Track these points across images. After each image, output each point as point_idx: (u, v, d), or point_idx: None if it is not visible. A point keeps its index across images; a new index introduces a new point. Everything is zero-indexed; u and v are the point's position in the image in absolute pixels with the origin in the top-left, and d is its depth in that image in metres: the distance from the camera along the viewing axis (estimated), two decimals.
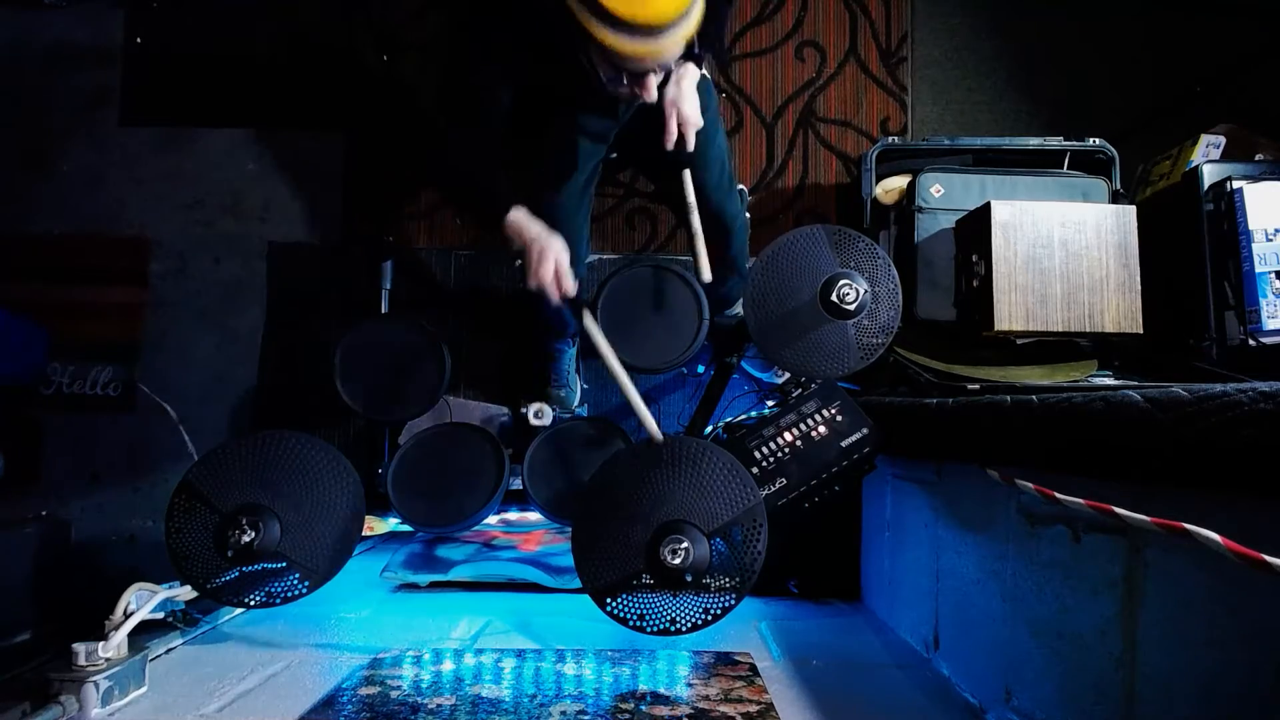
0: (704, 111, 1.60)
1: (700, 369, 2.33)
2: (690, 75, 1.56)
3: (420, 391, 1.88)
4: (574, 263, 1.90)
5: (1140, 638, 0.85)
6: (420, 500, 1.78)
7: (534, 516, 2.10)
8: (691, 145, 1.59)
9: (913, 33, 2.54)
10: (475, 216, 1.94)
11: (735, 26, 2.54)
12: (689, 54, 1.42)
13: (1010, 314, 1.75)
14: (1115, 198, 2.02)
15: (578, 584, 1.39)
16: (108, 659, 1.18)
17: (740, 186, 2.20)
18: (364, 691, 1.23)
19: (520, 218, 1.53)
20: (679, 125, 1.55)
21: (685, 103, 1.55)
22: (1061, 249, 1.76)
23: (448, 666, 1.36)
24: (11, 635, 1.95)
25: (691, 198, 1.62)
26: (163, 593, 1.35)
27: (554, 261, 1.50)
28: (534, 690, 1.24)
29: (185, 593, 1.41)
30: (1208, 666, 0.75)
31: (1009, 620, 1.13)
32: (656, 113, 1.55)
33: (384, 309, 2.35)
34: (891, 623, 1.64)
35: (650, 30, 1.29)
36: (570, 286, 1.53)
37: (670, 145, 1.57)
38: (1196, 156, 2.04)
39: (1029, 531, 1.08)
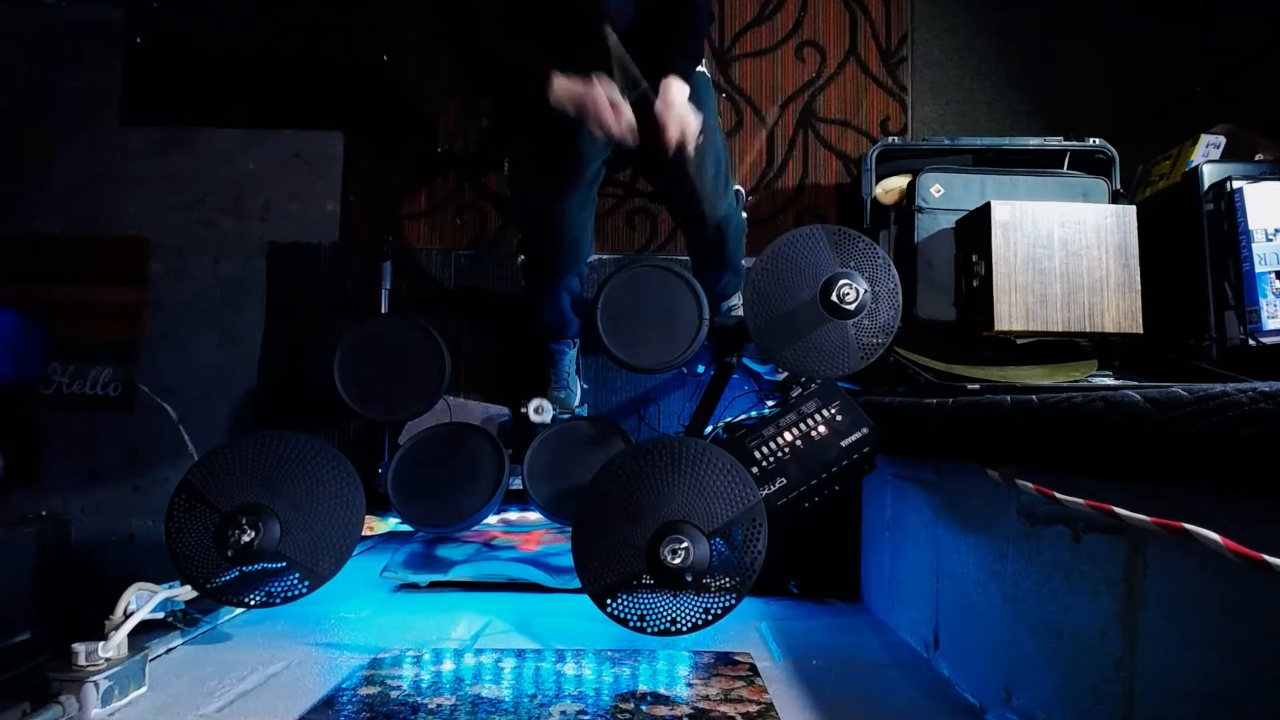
0: (701, 108, 1.59)
1: (700, 369, 2.33)
2: (676, 91, 1.55)
3: (420, 391, 1.88)
4: (576, 261, 1.92)
5: (1140, 638, 0.85)
6: (420, 500, 1.78)
7: (534, 516, 2.10)
8: (692, 150, 1.58)
9: (913, 33, 2.54)
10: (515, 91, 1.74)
11: (735, 26, 2.54)
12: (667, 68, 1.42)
13: (1010, 314, 1.75)
14: (1115, 198, 2.02)
15: (578, 584, 1.39)
16: (108, 659, 1.18)
17: (736, 187, 2.19)
18: (364, 691, 1.23)
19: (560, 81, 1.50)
20: (677, 138, 1.54)
21: (672, 120, 1.53)
22: (1061, 249, 1.76)
23: (448, 666, 1.36)
24: (11, 635, 1.95)
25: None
26: (163, 593, 1.35)
27: (611, 103, 1.47)
28: (534, 690, 1.24)
29: (185, 593, 1.41)
30: (1208, 666, 0.75)
31: (1009, 620, 1.13)
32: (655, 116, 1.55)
33: (384, 309, 2.35)
34: (891, 623, 1.64)
35: None
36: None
37: (669, 154, 1.56)
38: (1196, 156, 2.04)
39: (1029, 531, 1.08)
